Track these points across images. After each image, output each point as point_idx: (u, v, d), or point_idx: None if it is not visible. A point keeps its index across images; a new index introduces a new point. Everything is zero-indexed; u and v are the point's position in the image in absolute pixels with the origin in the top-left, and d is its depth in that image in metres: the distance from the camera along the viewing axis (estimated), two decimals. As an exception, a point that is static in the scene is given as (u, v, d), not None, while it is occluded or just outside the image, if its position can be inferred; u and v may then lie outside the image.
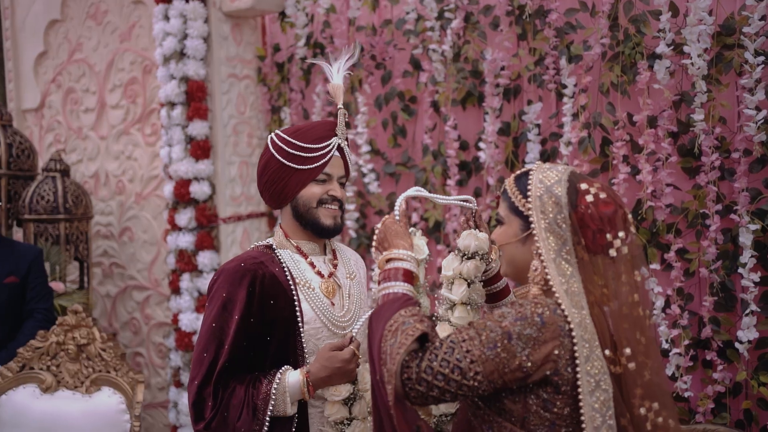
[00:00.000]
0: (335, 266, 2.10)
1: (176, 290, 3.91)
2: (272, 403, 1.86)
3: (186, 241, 3.82)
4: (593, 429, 1.45)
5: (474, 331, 1.47)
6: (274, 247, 2.06)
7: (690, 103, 2.70)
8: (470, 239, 1.83)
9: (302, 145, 1.96)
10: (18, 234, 4.45)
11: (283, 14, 3.96)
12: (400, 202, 1.80)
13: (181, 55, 3.81)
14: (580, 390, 1.45)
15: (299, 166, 1.97)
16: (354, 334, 1.92)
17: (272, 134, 2.02)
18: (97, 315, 4.71)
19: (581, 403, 1.45)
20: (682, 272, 2.76)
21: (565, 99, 2.98)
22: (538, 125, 3.12)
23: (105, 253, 4.70)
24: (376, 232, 1.77)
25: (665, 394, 1.55)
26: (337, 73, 2.06)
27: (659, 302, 2.76)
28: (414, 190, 1.85)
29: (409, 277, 1.64)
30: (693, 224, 2.75)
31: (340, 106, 2.04)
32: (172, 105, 3.85)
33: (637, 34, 2.81)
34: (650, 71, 2.77)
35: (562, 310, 1.48)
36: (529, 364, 1.44)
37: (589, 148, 2.93)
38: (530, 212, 1.57)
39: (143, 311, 4.53)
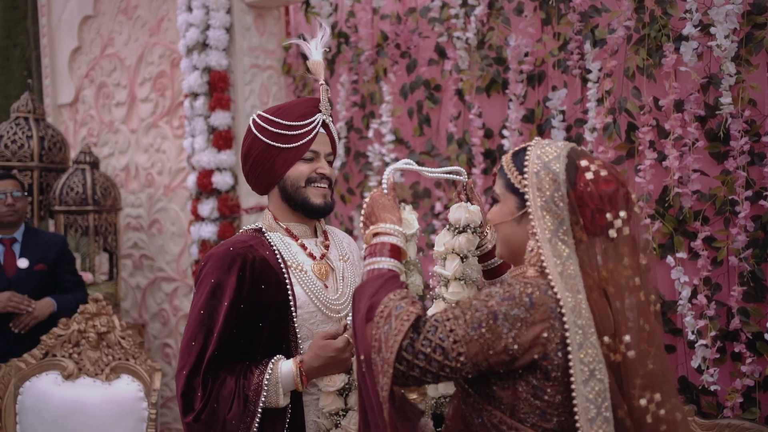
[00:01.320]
0: (327, 248, 2.03)
1: (200, 281, 3.91)
2: (264, 394, 1.79)
3: (209, 231, 3.82)
4: (587, 421, 1.36)
5: (459, 311, 1.39)
6: (263, 230, 1.99)
7: (718, 85, 2.59)
8: (461, 212, 1.77)
9: (286, 123, 1.90)
10: (51, 226, 4.52)
11: (307, 4, 3.95)
12: (388, 175, 1.73)
13: (203, 45, 3.82)
14: (572, 379, 1.37)
15: (285, 145, 1.91)
16: (348, 322, 1.86)
17: (254, 115, 1.96)
18: (127, 306, 4.76)
19: (574, 393, 1.37)
20: (710, 261, 2.66)
21: (589, 84, 2.90)
22: (562, 112, 3.04)
23: (135, 245, 4.75)
24: (363, 206, 1.71)
25: (669, 385, 1.45)
26: (315, 50, 2.02)
27: (685, 292, 2.66)
28: (403, 163, 1.79)
29: (396, 252, 1.57)
30: (721, 211, 2.65)
31: (321, 82, 1.99)
32: (195, 96, 3.86)
33: (663, 16, 2.71)
34: (677, 54, 2.67)
35: (555, 293, 1.40)
36: (516, 346, 1.37)
37: (615, 134, 2.84)
38: (526, 189, 1.47)
39: (171, 302, 4.56)
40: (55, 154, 4.40)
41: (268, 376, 1.80)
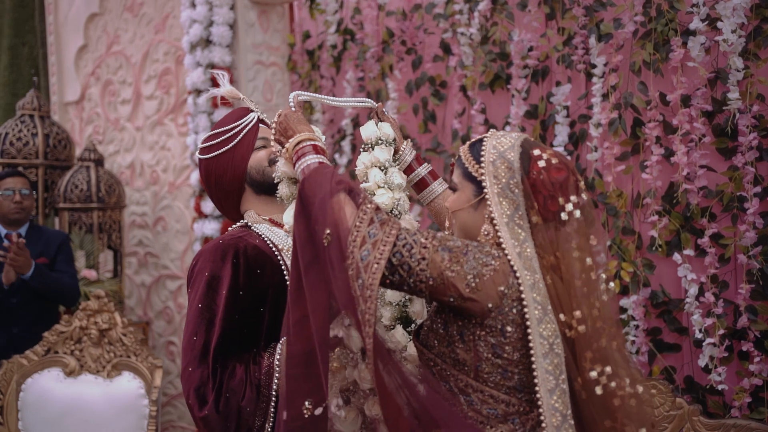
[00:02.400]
0: None
1: (203, 278, 3.90)
2: (277, 375, 1.78)
3: (212, 228, 3.81)
4: (547, 392, 1.45)
5: (438, 235, 1.48)
6: (249, 224, 2.02)
7: (726, 80, 2.55)
8: (371, 128, 1.84)
9: (224, 129, 1.99)
10: (56, 223, 4.51)
11: (312, 0, 3.92)
12: (292, 97, 1.82)
13: (207, 42, 3.81)
14: (532, 352, 1.45)
15: (232, 143, 1.97)
16: None
17: (197, 152, 2.05)
18: (132, 304, 4.75)
19: (534, 365, 1.46)
20: (717, 258, 2.62)
21: (594, 79, 2.87)
22: (566, 107, 3.00)
23: (140, 243, 4.74)
24: (274, 125, 1.78)
25: (623, 360, 1.53)
26: (223, 85, 2.09)
27: (692, 290, 2.62)
28: (314, 95, 1.89)
29: (322, 151, 1.68)
30: (728, 208, 2.60)
31: (242, 97, 2.07)
32: (198, 92, 3.85)
33: (671, 10, 2.68)
34: (684, 48, 2.64)
35: (513, 268, 1.48)
36: (473, 284, 1.45)
37: (620, 129, 2.81)
38: (483, 177, 1.56)
39: (176, 300, 4.54)
40: (60, 151, 4.40)
41: (278, 356, 1.79)
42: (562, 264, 1.51)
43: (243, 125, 1.99)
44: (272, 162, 1.98)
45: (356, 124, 3.87)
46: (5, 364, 3.12)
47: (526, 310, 1.46)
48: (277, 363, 1.78)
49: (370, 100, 1.97)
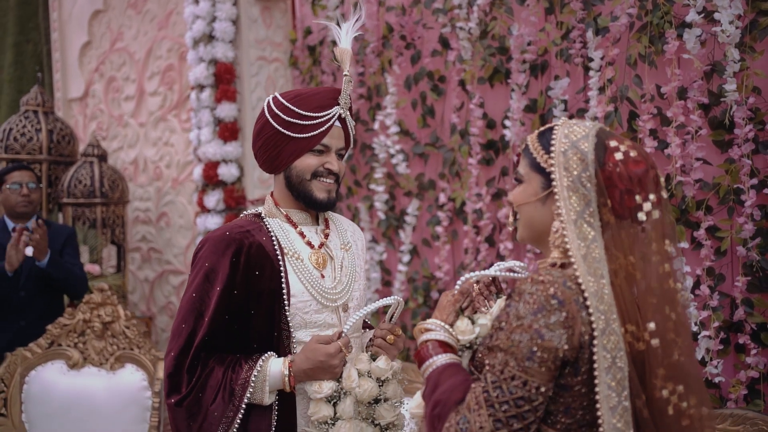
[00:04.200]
0: (327, 236, 1.99)
1: (206, 272, 3.93)
2: (250, 390, 1.77)
3: (215, 222, 3.85)
4: (609, 410, 1.32)
5: (503, 354, 1.34)
6: (263, 215, 1.96)
7: (722, 72, 2.56)
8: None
9: (300, 112, 1.84)
10: (59, 218, 4.55)
11: (313, -4, 3.96)
12: (465, 279, 1.62)
13: (210, 38, 3.84)
14: (596, 366, 1.33)
15: (295, 135, 1.85)
16: (345, 330, 1.82)
17: (270, 97, 1.91)
18: (135, 300, 4.79)
19: (596, 380, 1.32)
20: (713, 251, 2.63)
21: (591, 73, 2.88)
22: (564, 101, 3.02)
23: (143, 239, 4.78)
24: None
25: (695, 378, 1.39)
26: (345, 35, 1.96)
27: (688, 282, 2.63)
28: (493, 269, 1.65)
29: (442, 346, 1.49)
30: (725, 200, 2.62)
31: (346, 72, 1.92)
32: (201, 87, 3.89)
33: (666, 3, 2.69)
34: (679, 41, 2.65)
35: (576, 280, 1.36)
36: (566, 347, 1.32)
37: (616, 122, 2.82)
38: (552, 169, 1.43)
39: (179, 295, 4.58)
40: (64, 147, 4.44)
41: (256, 373, 1.78)
42: (637, 270, 1.37)
43: (318, 122, 1.85)
44: (315, 176, 1.88)
45: (357, 119, 3.89)
46: (9, 357, 3.15)
47: (592, 319, 1.33)
48: (253, 379, 1.78)
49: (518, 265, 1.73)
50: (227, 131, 3.80)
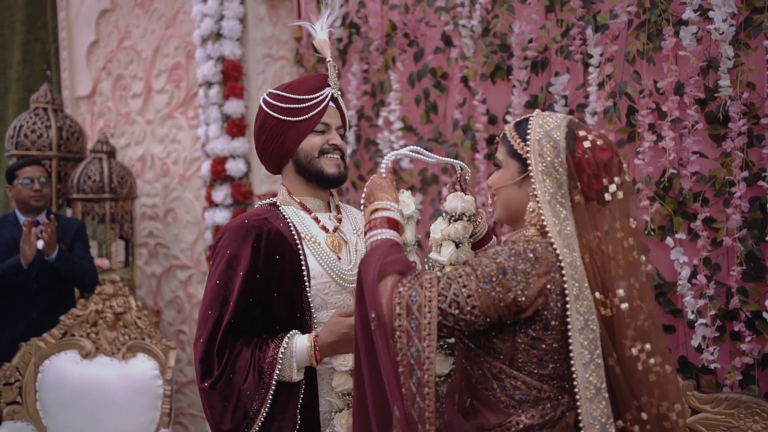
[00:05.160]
0: (339, 221, 2.09)
1: (213, 265, 4.01)
2: (279, 367, 1.84)
3: (222, 217, 3.92)
4: (582, 365, 1.49)
5: (470, 268, 1.50)
6: (278, 204, 2.05)
7: (717, 68, 2.64)
8: (456, 201, 1.85)
9: (296, 97, 1.96)
10: (68, 213, 4.63)
11: (318, -5, 4.04)
12: (387, 160, 1.81)
13: (217, 35, 3.92)
14: (569, 327, 1.50)
15: (296, 118, 1.96)
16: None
17: (265, 94, 2.02)
18: (143, 294, 4.87)
19: (570, 340, 1.50)
20: (709, 242, 2.71)
21: (591, 69, 2.96)
22: (565, 97, 3.10)
23: (151, 234, 4.85)
24: (364, 190, 1.79)
25: (660, 338, 1.56)
26: (321, 30, 2.10)
27: (685, 272, 2.71)
28: (407, 150, 1.86)
29: (393, 224, 1.65)
30: (720, 193, 2.69)
31: (329, 59, 2.05)
32: (209, 84, 3.97)
33: (664, 1, 2.76)
34: (676, 38, 2.72)
35: (554, 249, 1.52)
36: (523, 298, 1.48)
37: (615, 117, 2.90)
38: (528, 155, 1.59)
39: (186, 290, 4.66)
40: (73, 143, 4.52)
41: (283, 350, 1.85)
42: (603, 244, 1.54)
43: (314, 102, 1.97)
44: (323, 153, 1.99)
45: (361, 115, 3.97)
46: (23, 347, 3.24)
47: (566, 286, 1.49)
48: (281, 356, 1.84)
49: (460, 162, 1.97)
50: (235, 127, 3.88)
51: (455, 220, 1.85)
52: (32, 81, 5.87)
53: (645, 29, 2.82)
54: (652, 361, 1.53)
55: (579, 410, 1.50)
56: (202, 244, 4.49)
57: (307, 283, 1.94)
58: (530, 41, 3.22)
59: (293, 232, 1.97)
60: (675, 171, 2.74)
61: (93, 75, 5.29)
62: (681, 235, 2.74)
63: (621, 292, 1.52)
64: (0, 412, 3.18)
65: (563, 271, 1.50)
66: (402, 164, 3.70)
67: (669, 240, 2.76)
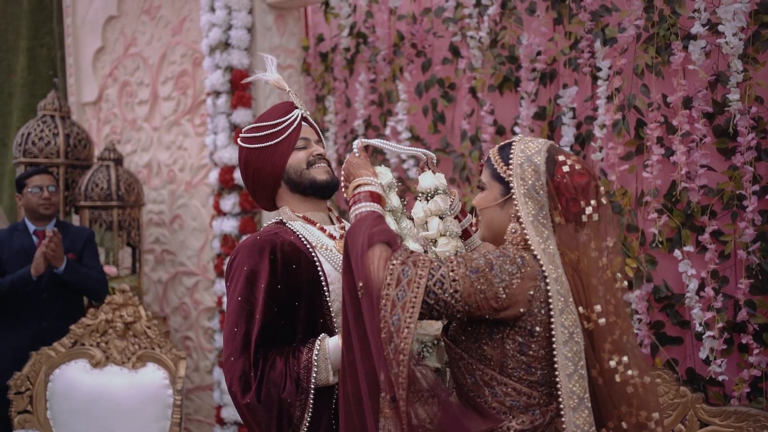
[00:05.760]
0: (344, 229, 2.14)
1: (221, 274, 4.03)
2: (315, 370, 1.86)
3: (230, 225, 3.94)
4: (566, 376, 1.58)
5: (462, 258, 1.61)
6: (284, 221, 2.10)
7: (726, 83, 2.66)
8: (427, 177, 1.95)
9: (270, 123, 2.05)
10: (75, 220, 4.65)
11: (326, 4, 4.05)
12: (357, 143, 1.93)
13: (225, 45, 3.93)
14: (554, 339, 1.58)
15: (275, 141, 2.05)
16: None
17: (239, 137, 2.12)
18: (149, 300, 4.88)
19: (555, 352, 1.58)
20: (717, 254, 2.73)
21: (599, 82, 2.98)
22: (573, 109, 3.12)
23: (157, 240, 4.87)
24: (342, 171, 1.90)
25: (636, 351, 1.66)
26: (270, 72, 2.19)
27: (693, 285, 2.73)
28: (376, 141, 1.99)
29: (375, 197, 1.77)
30: (728, 206, 2.72)
31: (288, 89, 2.16)
32: (217, 94, 3.98)
33: (672, 15, 2.79)
34: (685, 52, 2.75)
35: (540, 264, 1.60)
36: (504, 295, 1.57)
37: (624, 130, 2.92)
38: (511, 178, 1.68)
39: (192, 296, 4.67)
40: (80, 151, 4.53)
41: (316, 353, 1.87)
42: (582, 262, 1.64)
43: (287, 123, 2.06)
44: (310, 165, 2.07)
45: (368, 125, 3.99)
46: (34, 356, 3.25)
47: (551, 300, 1.58)
48: (315, 359, 1.87)
49: (426, 150, 2.07)
50: (243, 136, 3.90)
51: (432, 197, 1.95)
52: (37, 86, 5.89)
53: (654, 43, 2.84)
54: (629, 372, 1.62)
55: (563, 418, 1.59)
56: (208, 251, 4.50)
57: (325, 289, 1.98)
58: (538, 53, 3.24)
59: (305, 242, 2.02)
60: (685, 184, 2.76)
61: (99, 81, 5.31)
62: (689, 248, 2.76)
63: (598, 308, 1.62)
64: (11, 421, 3.20)
65: (548, 286, 1.58)
66: (410, 174, 3.71)
67: (677, 252, 2.78)
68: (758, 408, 2.53)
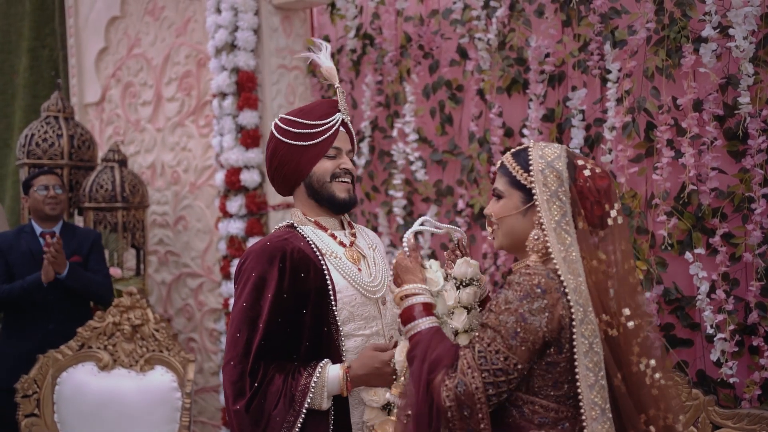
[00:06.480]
0: (354, 236, 2.15)
1: (227, 275, 4.02)
2: (310, 395, 1.88)
3: (236, 227, 3.93)
4: (587, 387, 1.57)
5: (491, 331, 1.58)
6: (295, 225, 2.09)
7: (736, 86, 2.67)
8: (465, 267, 1.86)
9: (308, 122, 2.01)
10: (79, 222, 4.63)
11: (333, 6, 4.04)
12: (407, 237, 1.84)
13: (232, 46, 3.92)
14: (575, 351, 1.57)
15: (308, 143, 2.02)
16: (398, 340, 1.93)
17: (276, 120, 2.07)
18: (153, 301, 4.87)
19: (576, 363, 1.57)
20: (728, 257, 2.73)
21: (609, 84, 2.98)
22: (582, 111, 3.11)
23: (161, 242, 4.86)
24: (391, 271, 1.84)
25: (660, 352, 1.67)
26: (324, 59, 2.13)
27: (704, 287, 2.73)
28: (418, 223, 1.88)
29: (427, 310, 1.71)
30: (739, 208, 2.72)
31: (337, 85, 2.10)
32: (223, 95, 3.97)
33: (683, 18, 2.79)
34: (696, 55, 2.75)
35: (558, 276, 1.59)
36: (547, 331, 1.56)
37: (633, 132, 2.92)
38: (533, 185, 1.66)
39: (196, 298, 4.66)
40: (84, 152, 4.52)
41: (315, 379, 1.89)
42: (608, 266, 1.62)
43: (325, 127, 2.02)
44: (334, 177, 2.04)
45: (375, 126, 3.98)
46: (41, 359, 3.24)
47: (572, 310, 1.57)
48: (313, 385, 1.88)
49: (458, 228, 2.02)
50: (249, 138, 3.89)
51: (465, 285, 1.86)
52: (39, 87, 5.86)
53: (664, 45, 2.84)
54: (656, 375, 1.63)
55: (585, 430, 1.58)
56: (213, 252, 4.49)
57: (332, 297, 1.98)
58: (547, 55, 3.23)
59: (314, 250, 2.01)
60: (694, 187, 2.76)
61: (102, 82, 5.29)
62: (700, 250, 2.77)
63: (627, 311, 1.61)
64: (18, 424, 3.18)
65: (568, 296, 1.57)
66: (417, 176, 3.71)
67: (688, 255, 2.78)
68: (770, 411, 2.53)
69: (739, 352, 2.72)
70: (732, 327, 2.69)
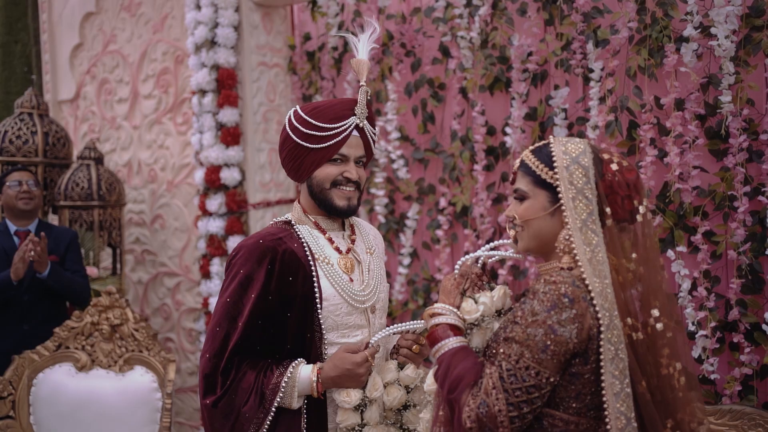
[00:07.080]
0: (353, 241, 2.09)
1: (206, 274, 3.98)
2: (280, 394, 1.87)
3: (216, 226, 3.89)
4: (613, 395, 1.49)
5: (518, 346, 1.50)
6: (292, 222, 2.05)
7: (717, 85, 2.69)
8: (505, 297, 1.78)
9: (317, 124, 1.92)
10: (53, 220, 4.56)
11: (313, 3, 4.01)
12: (463, 261, 1.81)
13: (212, 43, 3.89)
14: (602, 357, 1.49)
15: (313, 146, 1.94)
16: (373, 342, 1.92)
17: (292, 110, 2.00)
18: (129, 301, 4.80)
19: (602, 370, 1.50)
20: (709, 255, 2.76)
21: (591, 83, 2.99)
22: (564, 110, 3.13)
23: (137, 240, 4.80)
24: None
25: (687, 354, 1.62)
26: (363, 47, 2.05)
27: (686, 285, 2.75)
28: (483, 250, 1.84)
29: (453, 330, 1.67)
30: (720, 207, 2.75)
31: (362, 83, 2.00)
32: (203, 92, 3.93)
33: (665, 18, 2.81)
34: (677, 54, 2.77)
35: (582, 280, 1.51)
36: (577, 341, 1.49)
37: (616, 131, 2.94)
38: (558, 183, 1.57)
39: (174, 297, 4.61)
40: (59, 149, 4.44)
41: (286, 379, 1.88)
42: (642, 264, 1.55)
43: (334, 132, 1.93)
44: (335, 185, 1.97)
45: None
46: (16, 360, 3.18)
47: (599, 316, 1.49)
48: (284, 384, 1.87)
49: (518, 256, 1.92)
50: (229, 136, 3.85)
51: (502, 315, 1.79)
52: (12, 83, 5.78)
53: (646, 45, 2.86)
54: (682, 379, 1.57)
55: None
56: (191, 251, 4.44)
57: (318, 305, 1.95)
58: (530, 54, 3.24)
59: (307, 253, 1.97)
60: (679, 185, 2.79)
61: (76, 78, 5.21)
62: (682, 248, 2.79)
63: (656, 312, 1.54)
64: (-7, 426, 3.13)
65: (594, 303, 1.50)
66: (399, 174, 3.70)
67: (670, 253, 2.80)
68: (752, 406, 2.56)
69: (719, 348, 2.75)
70: (713, 324, 2.72)
